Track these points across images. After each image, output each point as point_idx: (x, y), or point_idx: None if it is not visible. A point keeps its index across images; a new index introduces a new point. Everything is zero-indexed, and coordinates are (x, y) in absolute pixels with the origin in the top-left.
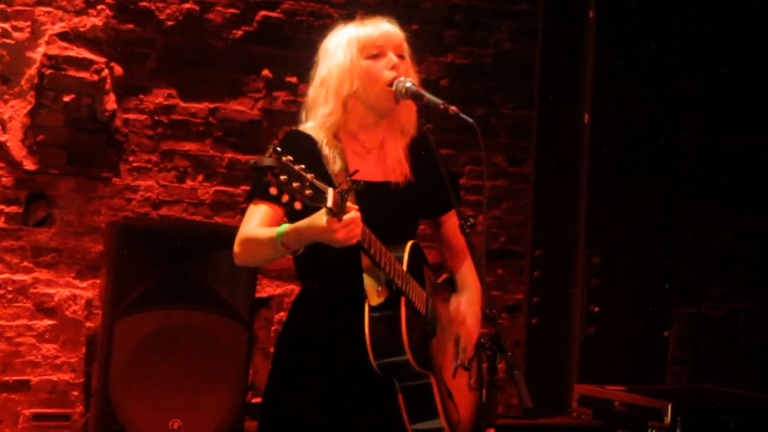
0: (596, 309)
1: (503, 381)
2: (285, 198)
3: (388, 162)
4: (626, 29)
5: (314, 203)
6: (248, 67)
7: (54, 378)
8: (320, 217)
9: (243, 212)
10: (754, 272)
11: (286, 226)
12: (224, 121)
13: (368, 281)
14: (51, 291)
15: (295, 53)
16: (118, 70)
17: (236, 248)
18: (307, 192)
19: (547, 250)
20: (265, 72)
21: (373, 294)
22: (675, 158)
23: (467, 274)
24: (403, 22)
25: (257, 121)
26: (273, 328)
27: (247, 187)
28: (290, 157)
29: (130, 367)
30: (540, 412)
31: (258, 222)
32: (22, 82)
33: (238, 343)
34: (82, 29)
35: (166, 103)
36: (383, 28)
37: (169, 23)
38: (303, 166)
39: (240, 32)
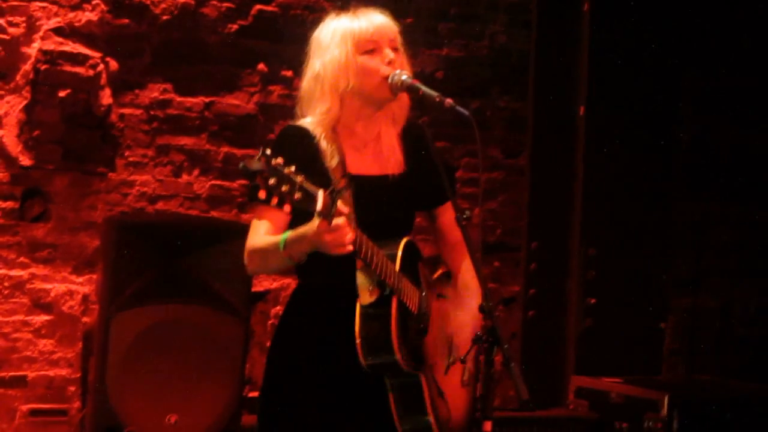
0: (592, 301)
1: (500, 373)
2: (274, 201)
3: (384, 154)
4: (621, 21)
5: (304, 206)
6: (243, 61)
7: (51, 373)
8: (314, 222)
9: (239, 207)
10: (750, 264)
11: (287, 235)
12: (220, 116)
13: (361, 280)
14: (47, 286)
15: (291, 47)
16: (114, 65)
17: (246, 260)
18: (297, 195)
19: (543, 243)
20: (261, 66)
21: (365, 293)
22: (670, 150)
23: (464, 268)
24: (397, 15)
25: (253, 115)
26: (269, 322)
27: (244, 182)
28: (280, 160)
29: (126, 363)
30: (537, 405)
31: (264, 231)
32: (18, 77)
33: (234, 337)
34: (77, 24)
35: (161, 97)
36: (377, 22)
37: (164, 18)
38: (293, 169)
39: (235, 26)
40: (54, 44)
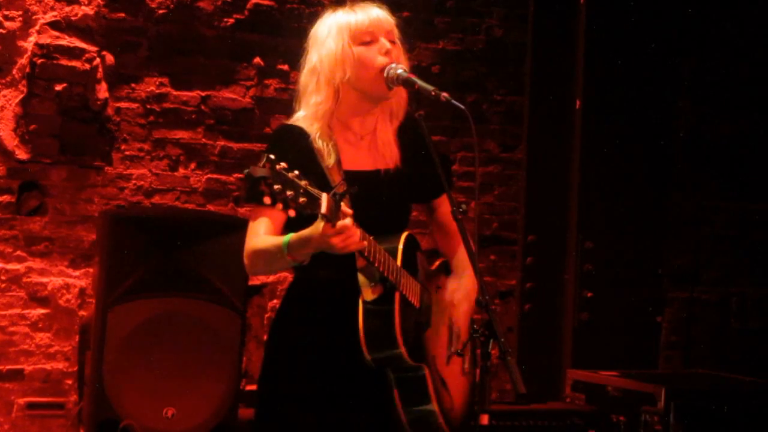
0: (589, 294)
1: (496, 367)
2: (279, 206)
3: (379, 148)
4: (618, 14)
5: (308, 210)
6: (240, 55)
7: (48, 367)
8: (318, 225)
9: (236, 200)
10: (747, 257)
11: (290, 237)
12: (216, 109)
13: (362, 277)
14: (44, 280)
15: (287, 41)
16: (110, 58)
17: (246, 261)
18: (301, 200)
19: (540, 236)
20: (257, 60)
21: (368, 290)
22: (667, 143)
23: (462, 260)
24: (394, 9)
25: (249, 108)
26: (266, 315)
27: (240, 175)
28: (284, 165)
29: (123, 356)
30: (533, 398)
31: (263, 231)
32: (14, 71)
33: (231, 330)
34: (73, 18)
35: (158, 91)
36: (374, 14)
37: (161, 12)
38: (297, 173)
39: (231, 20)
40: (50, 38)
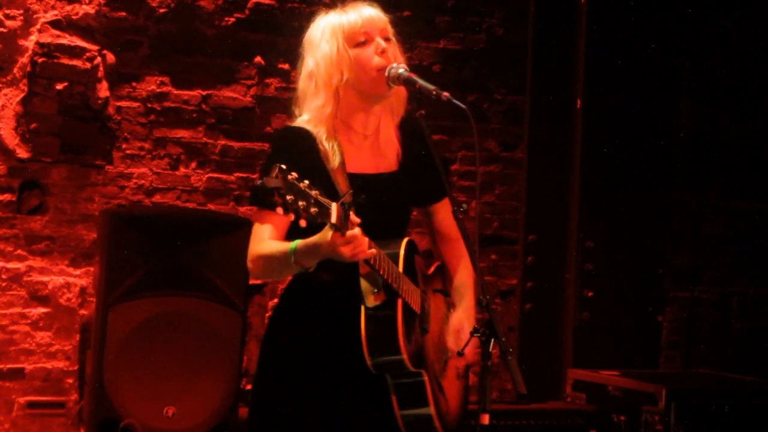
0: (590, 294)
1: (497, 366)
2: (291, 216)
3: (382, 148)
4: (619, 13)
5: (319, 219)
6: (241, 54)
7: (48, 366)
8: (326, 233)
9: (236, 199)
10: (748, 256)
11: (297, 245)
12: (217, 108)
13: (365, 284)
14: (45, 279)
15: (288, 40)
16: (111, 57)
17: (250, 265)
18: (312, 210)
19: (541, 235)
20: (258, 59)
21: (370, 296)
22: (668, 142)
23: (461, 266)
24: (394, 8)
25: (250, 108)
26: (267, 314)
27: (241, 174)
28: (295, 174)
29: (124, 355)
30: (534, 397)
31: (268, 236)
32: (15, 70)
33: (232, 330)
34: (74, 17)
35: (158, 90)
36: (367, 14)
37: (161, 11)
38: (308, 182)
39: (232, 19)
40: (51, 37)
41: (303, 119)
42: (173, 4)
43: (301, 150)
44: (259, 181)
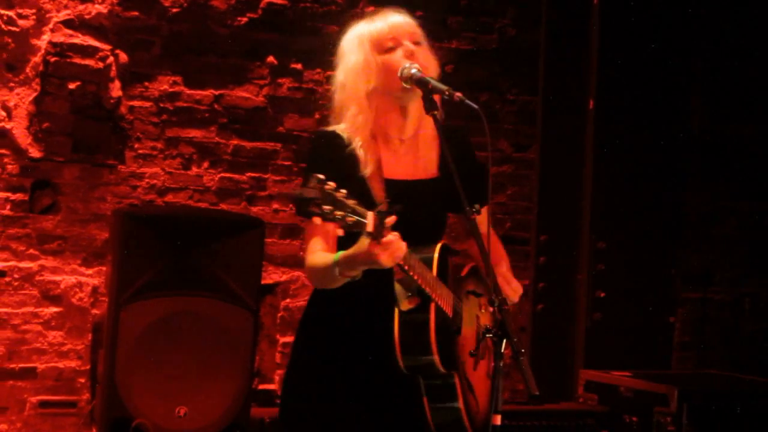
0: (601, 294)
1: (509, 367)
2: (330, 226)
3: (420, 153)
4: (631, 14)
5: (356, 229)
6: (253, 53)
7: (60, 365)
8: (363, 242)
9: (248, 199)
10: (760, 257)
11: (339, 255)
12: (229, 108)
13: (399, 288)
14: (57, 278)
15: (300, 40)
16: (123, 57)
17: (308, 276)
18: (349, 219)
19: (552, 236)
20: (270, 59)
21: (404, 301)
22: (681, 143)
23: (497, 252)
24: (407, 9)
25: (262, 107)
26: (279, 314)
27: (253, 174)
28: (333, 185)
29: (136, 355)
30: (546, 398)
31: (320, 247)
32: (27, 69)
33: (243, 329)
34: (86, 17)
35: (170, 90)
36: (393, 20)
37: (174, 10)
38: (345, 192)
39: (245, 19)
40: (64, 36)
41: (340, 127)
42: (186, 3)
43: (337, 157)
44: (296, 192)
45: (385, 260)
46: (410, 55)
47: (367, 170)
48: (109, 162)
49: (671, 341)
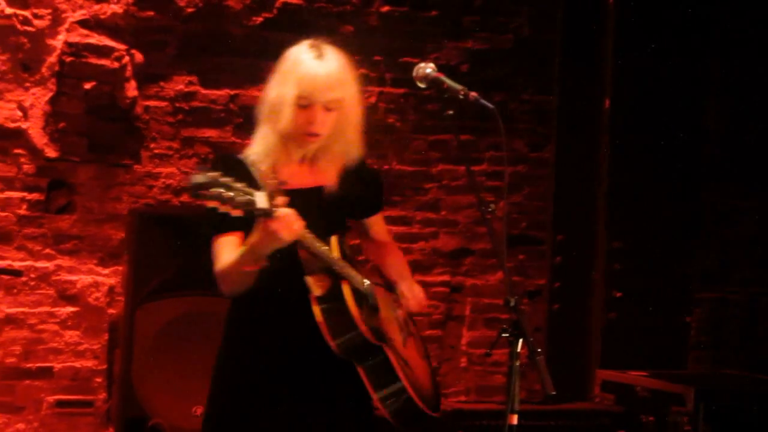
0: (618, 294)
1: (525, 366)
2: (227, 207)
3: (321, 166)
4: (646, 13)
5: (250, 207)
6: (268, 53)
7: (77, 365)
8: (259, 223)
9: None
10: None
11: (243, 247)
12: (244, 108)
13: (309, 275)
14: (73, 278)
15: None
16: (139, 57)
17: (219, 283)
18: (240, 199)
19: (568, 236)
20: None
21: (316, 285)
22: (697, 142)
23: (392, 255)
24: (422, 8)
25: None
26: None
27: None
28: (218, 173)
29: (152, 354)
30: (562, 398)
31: (228, 252)
32: (43, 69)
33: None
34: (102, 17)
35: (186, 90)
36: (320, 81)
37: (189, 10)
38: (231, 177)
39: (260, 19)
40: (79, 36)
41: (242, 155)
42: (201, 3)
43: (236, 172)
44: (188, 181)
45: (284, 233)
46: (313, 122)
47: (271, 182)
48: (125, 162)
49: (687, 341)
